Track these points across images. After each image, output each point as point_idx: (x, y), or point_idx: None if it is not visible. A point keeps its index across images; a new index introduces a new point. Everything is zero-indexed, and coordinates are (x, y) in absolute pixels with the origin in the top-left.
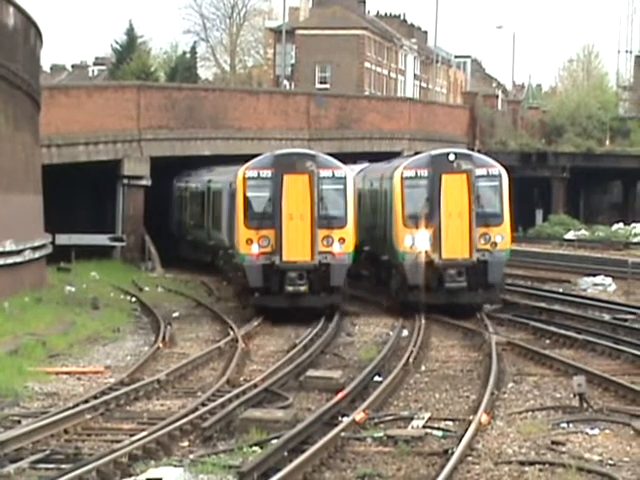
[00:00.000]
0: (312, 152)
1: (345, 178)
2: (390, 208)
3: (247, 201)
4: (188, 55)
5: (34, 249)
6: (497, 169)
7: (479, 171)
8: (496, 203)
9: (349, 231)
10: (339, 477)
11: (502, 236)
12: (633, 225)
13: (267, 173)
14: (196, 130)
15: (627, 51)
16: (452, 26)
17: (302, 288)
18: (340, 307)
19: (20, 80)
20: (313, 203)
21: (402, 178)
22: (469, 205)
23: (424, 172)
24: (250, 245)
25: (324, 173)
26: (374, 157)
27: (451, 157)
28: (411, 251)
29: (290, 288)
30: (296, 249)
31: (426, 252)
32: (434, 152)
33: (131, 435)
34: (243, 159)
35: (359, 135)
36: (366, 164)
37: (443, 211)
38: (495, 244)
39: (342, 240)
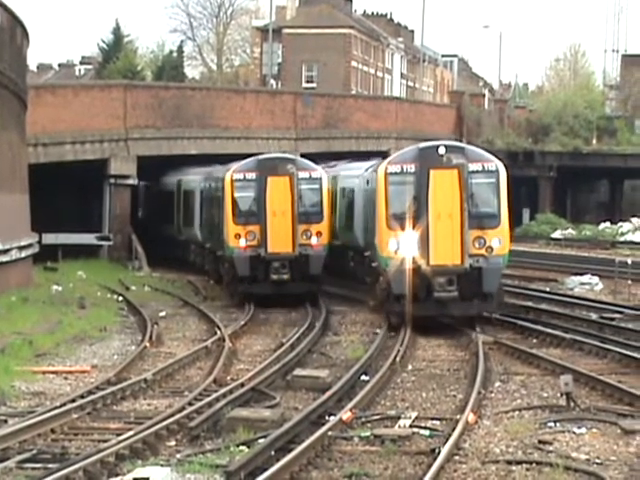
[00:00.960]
0: (291, 156)
1: (320, 179)
2: (373, 208)
3: (234, 201)
4: (175, 54)
5: (20, 248)
6: (494, 164)
7: (473, 166)
8: (492, 202)
9: (325, 225)
10: (326, 476)
11: (499, 239)
12: (620, 224)
13: (252, 175)
14: (183, 129)
15: (614, 50)
16: (439, 25)
17: (285, 276)
18: (317, 293)
19: (6, 79)
20: (293, 201)
21: (386, 174)
22: (461, 204)
23: (410, 167)
24: (238, 239)
25: (302, 175)
26: (362, 156)
27: (441, 150)
28: (395, 256)
29: (274, 276)
30: (279, 242)
31: (413, 258)
32: (422, 145)
33: (118, 434)
34: (229, 158)
35: (346, 134)
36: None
37: (431, 211)
38: (491, 249)
39: (319, 234)
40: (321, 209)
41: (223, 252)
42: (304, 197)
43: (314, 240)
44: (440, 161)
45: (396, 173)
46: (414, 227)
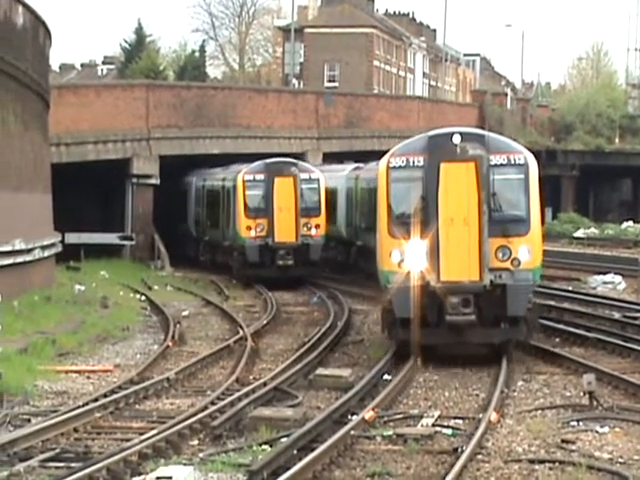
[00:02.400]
0: (294, 160)
1: (318, 180)
2: (374, 210)
3: (246, 198)
4: (197, 54)
5: (43, 248)
6: (522, 156)
7: (495, 158)
8: (520, 203)
9: (322, 219)
10: (349, 475)
11: (528, 250)
12: None
13: (261, 176)
14: (205, 129)
15: (636, 49)
16: (461, 24)
17: (289, 262)
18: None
19: (29, 79)
20: (297, 199)
21: (388, 168)
22: (479, 206)
23: (418, 160)
24: (249, 230)
25: (303, 176)
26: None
27: (456, 139)
28: (399, 271)
29: (280, 262)
30: (284, 233)
31: (420, 272)
32: (433, 132)
33: (141, 434)
34: (251, 158)
35: (368, 134)
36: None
37: (442, 215)
38: (518, 261)
39: (317, 226)
40: (319, 205)
41: (234, 242)
42: (305, 195)
43: (313, 231)
44: (454, 152)
45: (400, 167)
46: (422, 234)
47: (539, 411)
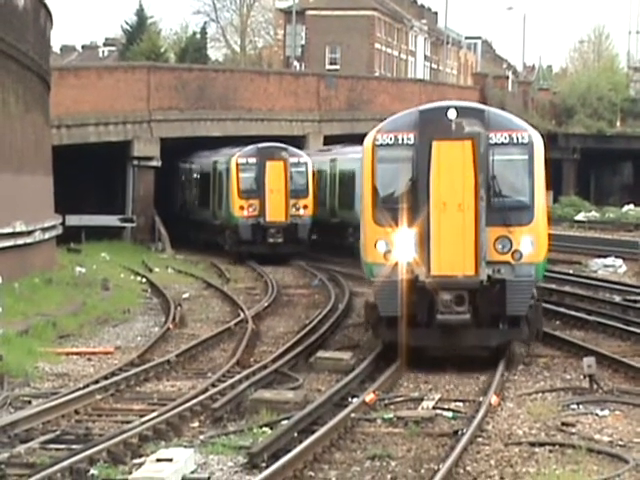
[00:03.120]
0: (284, 145)
1: (307, 163)
2: (356, 194)
3: (239, 180)
4: (198, 36)
5: (44, 230)
6: (526, 134)
7: (496, 136)
8: (523, 187)
9: (310, 200)
10: (349, 458)
11: (531, 241)
12: None
13: (253, 160)
14: (206, 111)
15: (638, 32)
16: (462, 7)
17: (279, 240)
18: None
19: (30, 61)
20: (286, 181)
21: (374, 147)
22: (476, 190)
23: (408, 137)
24: (242, 210)
25: (292, 160)
26: None
27: (451, 114)
28: (384, 263)
29: (271, 240)
30: (275, 213)
31: (408, 265)
32: (425, 106)
33: (141, 416)
34: (252, 140)
35: (369, 116)
36: None
37: (434, 200)
38: (519, 253)
39: (305, 206)
40: (307, 187)
41: (227, 221)
42: (294, 178)
43: (302, 211)
44: (448, 129)
45: (388, 145)
46: (411, 222)
47: (539, 394)
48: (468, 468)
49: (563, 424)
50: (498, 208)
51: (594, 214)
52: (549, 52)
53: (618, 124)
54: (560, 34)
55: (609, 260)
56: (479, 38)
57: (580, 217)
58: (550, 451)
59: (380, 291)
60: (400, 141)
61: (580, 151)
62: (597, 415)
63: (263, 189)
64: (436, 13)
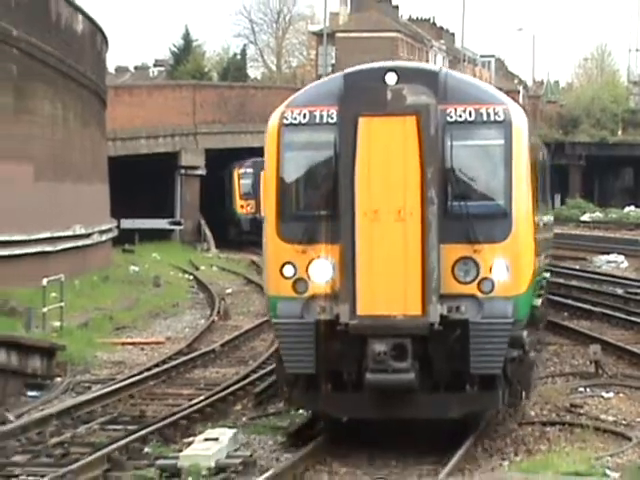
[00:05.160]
0: None
1: None
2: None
3: (240, 185)
4: (238, 57)
5: (101, 232)
6: (502, 109)
7: (456, 112)
8: (496, 187)
9: None
10: None
11: (507, 264)
12: None
13: (250, 170)
14: (246, 124)
15: (637, 49)
16: (477, 28)
17: None
18: None
19: (88, 80)
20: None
21: (280, 127)
22: (423, 190)
23: (328, 113)
24: (242, 208)
25: None
26: None
27: (390, 78)
28: (293, 296)
29: None
30: None
31: (327, 300)
32: (354, 68)
33: (190, 399)
34: None
35: None
36: None
37: (361, 205)
38: (489, 283)
39: None
40: None
41: (232, 216)
42: None
43: None
44: (382, 100)
45: (299, 125)
46: (331, 238)
47: (550, 378)
48: (486, 446)
49: (572, 405)
50: (458, 216)
51: (598, 215)
52: (556, 68)
53: (620, 133)
54: (566, 52)
55: (612, 256)
56: (493, 56)
57: (585, 218)
58: (560, 430)
59: (286, 338)
60: (317, 119)
61: (585, 158)
62: (602, 397)
63: (258, 192)
64: (453, 34)
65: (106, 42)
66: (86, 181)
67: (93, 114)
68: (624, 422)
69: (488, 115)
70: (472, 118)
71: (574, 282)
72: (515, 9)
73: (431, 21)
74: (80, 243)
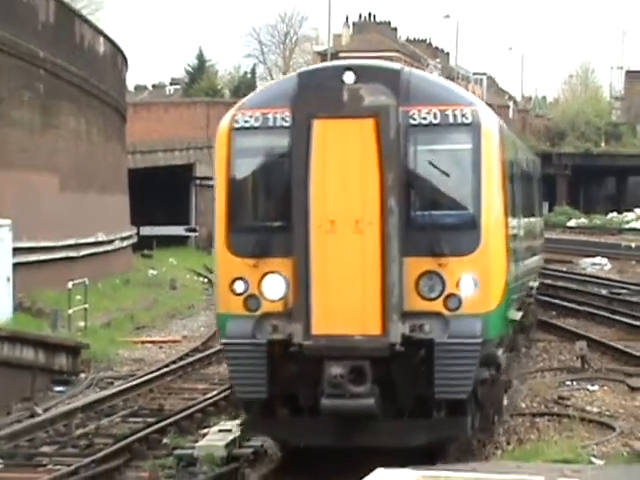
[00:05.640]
0: None
1: None
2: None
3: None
4: (249, 75)
5: (122, 239)
6: (470, 110)
7: (420, 113)
8: (463, 195)
9: None
10: None
11: (475, 279)
12: (625, 214)
13: None
14: None
15: (619, 67)
16: (470, 47)
17: None
18: None
19: (110, 98)
20: None
21: (231, 131)
22: (382, 199)
23: (282, 116)
24: None
25: None
26: None
27: (348, 77)
28: (244, 314)
29: None
30: None
31: (277, 316)
32: (307, 68)
33: (205, 394)
34: None
35: None
36: None
37: (316, 215)
38: (456, 300)
39: None
40: None
41: None
42: None
43: None
44: (338, 101)
45: (252, 129)
46: (284, 251)
47: (539, 373)
48: (480, 436)
49: (559, 398)
50: (422, 227)
51: (583, 221)
52: (544, 84)
53: (603, 144)
54: (553, 69)
55: (596, 259)
56: (484, 74)
57: (571, 223)
58: (549, 421)
59: (236, 360)
60: (270, 122)
61: (571, 168)
62: (588, 390)
63: None
64: (448, 53)
65: (126, 62)
66: (108, 191)
67: (114, 129)
68: (608, 413)
69: (455, 117)
70: (437, 120)
71: (561, 283)
72: (505, 29)
73: (427, 42)
74: (102, 249)
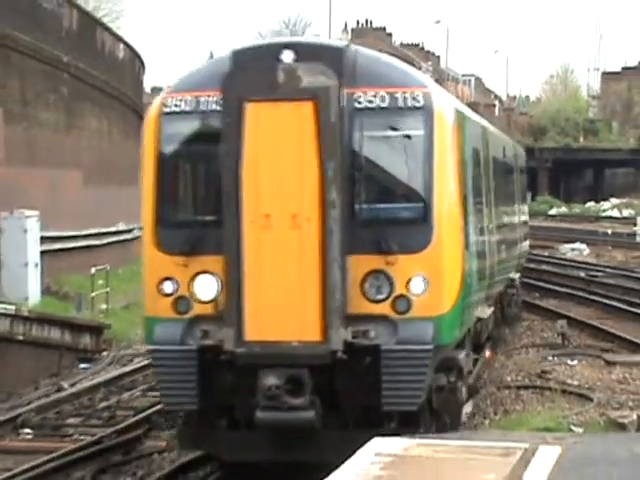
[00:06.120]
0: None
1: None
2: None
3: None
4: None
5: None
6: (421, 92)
7: (366, 96)
8: (413, 186)
9: None
10: None
11: (426, 279)
12: (602, 203)
13: None
14: None
15: (595, 69)
16: (459, 51)
17: None
18: None
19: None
20: None
21: (159, 117)
22: (322, 191)
23: (212, 99)
24: None
25: None
26: None
27: (286, 56)
28: (174, 317)
29: None
30: None
31: (208, 320)
32: (242, 46)
33: None
34: None
35: None
36: None
37: (248, 209)
38: (405, 302)
39: None
40: None
41: None
42: None
43: None
44: (272, 82)
45: (182, 114)
46: (215, 249)
47: (523, 349)
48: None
49: (542, 372)
50: (368, 222)
51: (563, 209)
52: (527, 84)
53: (581, 139)
54: (535, 70)
55: (575, 245)
56: (472, 75)
57: (552, 212)
58: (532, 393)
59: (163, 368)
60: (203, 106)
61: (552, 161)
62: (568, 364)
63: None
64: (439, 57)
65: (143, 66)
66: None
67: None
68: (586, 385)
69: (405, 100)
70: (386, 104)
71: (544, 267)
72: (492, 34)
73: (420, 46)
74: (122, 237)
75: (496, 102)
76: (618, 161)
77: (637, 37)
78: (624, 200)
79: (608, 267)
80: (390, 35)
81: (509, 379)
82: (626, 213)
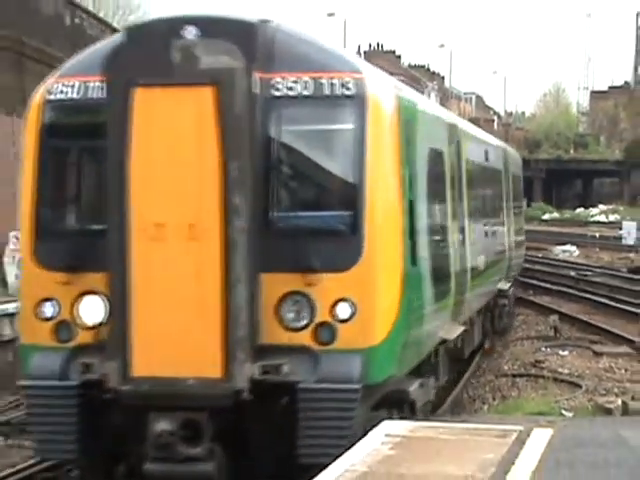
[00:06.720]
0: None
1: None
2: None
3: None
4: None
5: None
6: (353, 78)
7: (285, 82)
8: (341, 190)
9: None
10: None
11: (355, 303)
12: (590, 209)
13: None
14: None
15: (585, 87)
16: (462, 71)
17: None
18: None
19: None
20: None
21: (43, 104)
22: (225, 197)
23: (99, 85)
24: None
25: None
26: None
27: (187, 32)
28: (54, 346)
29: None
30: None
31: (91, 350)
32: (136, 23)
33: None
34: None
35: None
36: None
37: (136, 217)
38: (328, 331)
39: None
40: None
41: None
42: None
43: None
44: (165, 63)
45: (69, 102)
46: (101, 264)
47: (519, 341)
48: (470, 393)
49: (536, 361)
50: (284, 233)
51: (555, 215)
52: (523, 101)
53: (572, 152)
54: (530, 89)
55: (566, 247)
56: (473, 93)
57: (546, 217)
58: (527, 380)
59: (36, 408)
60: (92, 93)
61: (545, 171)
62: (559, 355)
63: None
64: (443, 77)
65: None
66: None
67: None
68: (576, 374)
69: (332, 87)
70: (309, 91)
71: (538, 267)
72: (491, 55)
73: (426, 67)
74: None
75: (495, 118)
76: (605, 171)
77: (622, 60)
78: (610, 206)
79: (596, 267)
80: (399, 57)
81: (506, 368)
82: (612, 218)
